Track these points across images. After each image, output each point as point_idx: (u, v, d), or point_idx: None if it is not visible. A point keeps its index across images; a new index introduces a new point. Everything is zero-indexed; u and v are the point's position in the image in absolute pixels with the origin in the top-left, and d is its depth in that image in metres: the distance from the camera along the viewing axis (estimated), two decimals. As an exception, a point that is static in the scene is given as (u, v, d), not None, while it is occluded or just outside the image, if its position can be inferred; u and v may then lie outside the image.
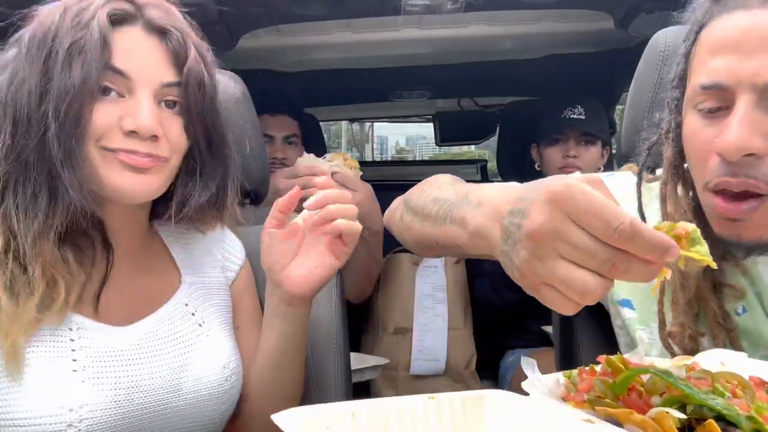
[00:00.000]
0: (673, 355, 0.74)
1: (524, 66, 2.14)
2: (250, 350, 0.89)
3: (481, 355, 1.83)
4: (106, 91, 0.72)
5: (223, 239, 0.94)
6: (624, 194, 0.80)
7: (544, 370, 0.62)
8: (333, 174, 1.46)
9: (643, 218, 0.79)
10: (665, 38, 0.94)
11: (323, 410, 0.50)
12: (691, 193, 0.77)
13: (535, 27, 1.79)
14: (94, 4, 0.72)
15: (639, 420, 0.45)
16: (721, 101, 0.69)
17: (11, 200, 0.70)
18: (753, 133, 0.65)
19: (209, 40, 0.83)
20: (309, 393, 0.99)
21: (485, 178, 2.92)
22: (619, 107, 2.31)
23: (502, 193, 0.60)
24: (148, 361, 0.76)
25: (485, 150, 5.75)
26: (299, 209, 1.40)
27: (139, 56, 0.73)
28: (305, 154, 1.52)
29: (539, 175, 1.53)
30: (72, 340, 0.72)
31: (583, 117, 1.85)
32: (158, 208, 0.84)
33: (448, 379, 1.79)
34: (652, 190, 0.82)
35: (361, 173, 1.52)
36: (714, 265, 0.52)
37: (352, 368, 1.09)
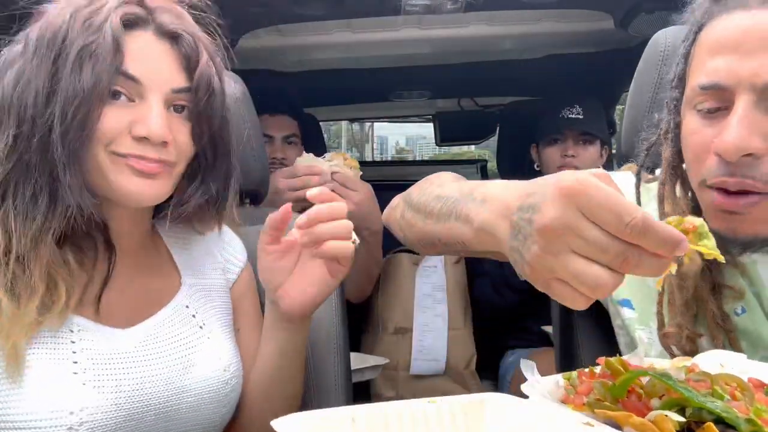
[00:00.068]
0: (672, 355, 0.74)
1: (524, 66, 2.14)
2: (251, 353, 0.88)
3: (481, 355, 1.83)
4: (116, 95, 0.72)
5: (224, 241, 0.93)
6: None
7: (544, 370, 0.62)
8: (333, 174, 1.46)
9: None
10: (665, 38, 0.94)
11: (323, 415, 0.50)
12: (690, 194, 0.77)
13: (535, 27, 1.79)
14: (107, 7, 0.72)
15: (638, 423, 0.45)
16: (720, 101, 0.69)
17: (11, 201, 0.70)
18: (752, 133, 0.65)
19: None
20: (309, 393, 0.99)
21: (485, 178, 2.91)
22: (619, 107, 2.31)
23: (509, 189, 0.60)
24: (150, 363, 0.76)
25: (485, 150, 5.75)
26: (300, 210, 1.40)
27: (151, 61, 0.73)
28: (304, 154, 1.52)
29: (539, 175, 1.53)
30: (73, 342, 0.71)
31: (581, 117, 1.85)
32: (159, 208, 0.84)
33: (448, 379, 1.79)
34: (651, 191, 0.82)
35: (361, 173, 1.52)
36: (722, 259, 0.53)
37: (352, 368, 1.09)
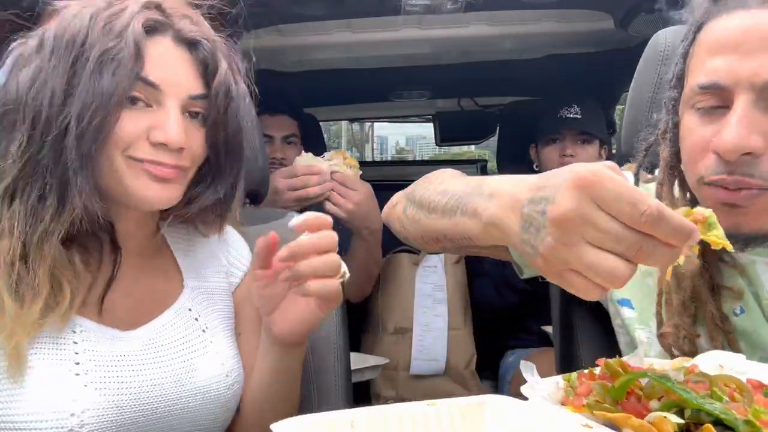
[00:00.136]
0: (672, 356, 0.74)
1: (524, 66, 2.14)
2: (251, 358, 0.88)
3: (481, 355, 1.83)
4: (134, 101, 0.72)
5: (229, 244, 0.93)
6: None
7: (544, 370, 0.62)
8: (332, 173, 1.46)
9: None
10: (665, 38, 0.94)
11: (322, 419, 0.50)
12: (688, 195, 0.77)
13: (535, 27, 1.79)
14: (128, 12, 0.71)
15: (637, 424, 0.45)
16: (719, 101, 0.69)
17: (19, 200, 0.69)
18: (751, 132, 0.65)
19: None
20: (309, 393, 0.99)
21: (485, 177, 2.90)
22: (619, 107, 2.31)
23: (518, 182, 0.60)
24: (152, 366, 0.75)
25: (485, 150, 5.75)
26: (300, 210, 1.40)
27: (169, 68, 0.73)
28: (303, 154, 1.51)
29: (539, 175, 1.53)
30: (75, 343, 0.71)
31: (579, 116, 1.85)
32: (165, 210, 0.83)
33: (448, 379, 1.79)
34: (650, 191, 0.82)
35: (361, 172, 1.51)
36: (731, 248, 0.53)
37: (352, 368, 1.09)
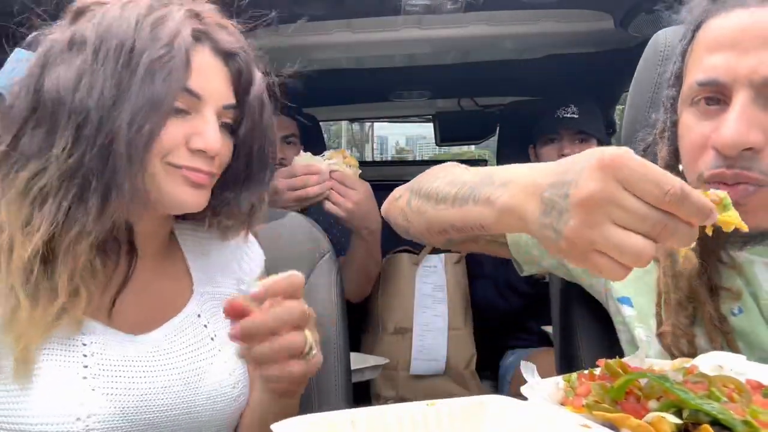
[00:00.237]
0: (672, 355, 0.74)
1: (524, 66, 2.14)
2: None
3: (481, 355, 1.83)
4: (177, 109, 0.72)
5: (243, 251, 0.92)
6: None
7: (544, 371, 0.62)
8: (331, 172, 1.46)
9: None
10: (665, 38, 0.94)
11: (322, 418, 0.50)
12: None
13: (535, 27, 1.79)
14: (174, 19, 0.71)
15: (635, 425, 0.46)
16: (717, 98, 0.69)
17: (52, 201, 0.68)
18: (751, 127, 0.65)
19: None
20: (309, 393, 0.99)
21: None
22: (619, 107, 2.31)
23: (535, 169, 0.61)
24: (160, 373, 0.75)
25: (485, 150, 5.75)
26: (301, 210, 1.40)
27: (209, 77, 0.74)
28: (302, 153, 1.51)
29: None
30: (84, 345, 0.70)
31: (576, 116, 1.85)
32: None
33: (448, 379, 1.79)
34: None
35: (360, 171, 1.51)
36: (745, 228, 0.55)
37: (352, 368, 1.10)
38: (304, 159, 1.49)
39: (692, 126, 0.71)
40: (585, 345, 0.98)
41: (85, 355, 0.70)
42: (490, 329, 1.92)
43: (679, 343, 0.73)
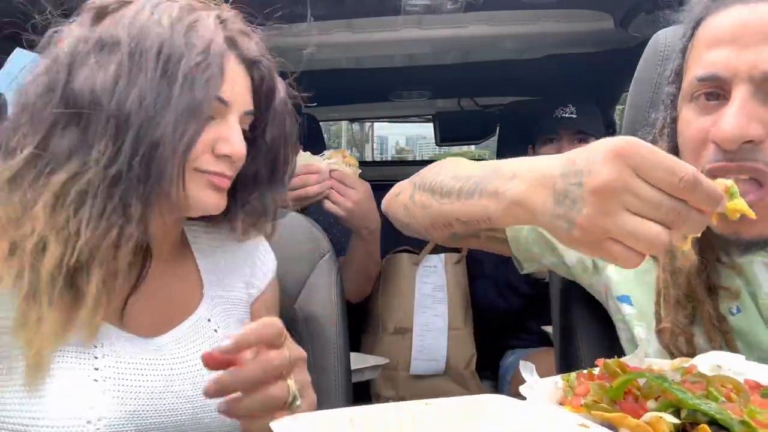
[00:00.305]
0: (671, 354, 0.74)
1: (524, 66, 2.14)
2: None
3: (481, 355, 1.83)
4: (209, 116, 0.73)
5: (255, 254, 0.92)
6: None
7: (544, 371, 0.62)
8: (330, 171, 1.45)
9: None
10: (665, 38, 0.94)
11: (321, 417, 0.50)
12: None
13: (535, 27, 1.79)
14: (206, 26, 0.72)
15: (633, 424, 0.46)
16: (717, 93, 0.69)
17: (95, 208, 0.66)
18: (750, 121, 0.65)
19: None
20: (309, 393, 0.99)
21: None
22: (619, 107, 2.31)
23: (544, 161, 0.61)
24: (170, 377, 0.74)
25: (485, 150, 5.74)
26: (300, 209, 1.40)
27: (235, 84, 0.75)
28: (301, 153, 1.51)
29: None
30: (95, 347, 0.70)
31: (574, 116, 1.85)
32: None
33: (448, 379, 1.79)
34: None
35: (360, 171, 1.51)
36: (753, 215, 0.56)
37: (352, 368, 1.10)
38: (303, 158, 1.48)
39: (692, 121, 0.71)
40: (585, 345, 0.98)
41: (96, 357, 0.69)
42: (490, 329, 1.92)
43: (677, 342, 0.73)
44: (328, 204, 1.45)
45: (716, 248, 0.74)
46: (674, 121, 0.76)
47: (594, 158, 0.54)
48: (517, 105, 2.41)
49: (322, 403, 1.01)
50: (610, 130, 2.09)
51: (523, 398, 0.55)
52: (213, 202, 0.76)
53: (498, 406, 0.53)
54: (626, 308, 0.83)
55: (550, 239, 0.89)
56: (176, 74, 0.68)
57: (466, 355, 1.80)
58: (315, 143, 2.06)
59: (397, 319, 1.78)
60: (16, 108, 0.71)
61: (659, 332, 0.76)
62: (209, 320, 0.82)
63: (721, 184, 0.55)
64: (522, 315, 1.87)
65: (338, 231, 1.73)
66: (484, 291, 1.88)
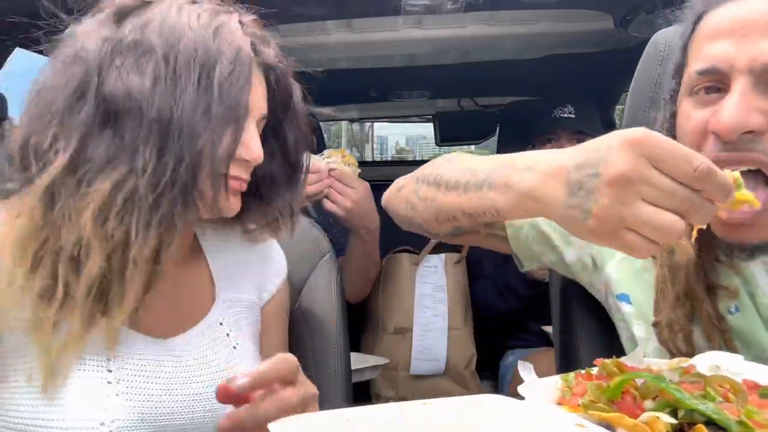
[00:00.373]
0: (670, 352, 0.74)
1: (524, 66, 2.14)
2: None
3: (481, 355, 1.83)
4: None
5: (267, 257, 0.92)
6: None
7: (544, 370, 0.62)
8: (330, 170, 1.46)
9: None
10: (665, 38, 0.94)
11: (319, 417, 0.50)
12: None
13: (535, 27, 1.79)
14: (232, 30, 0.71)
15: (630, 424, 0.46)
16: (717, 86, 0.69)
17: (139, 218, 0.64)
18: (750, 111, 0.65)
19: None
20: (309, 393, 0.99)
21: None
22: (619, 107, 2.31)
23: (558, 153, 0.62)
24: (182, 381, 0.74)
25: (485, 150, 5.74)
26: (303, 208, 1.40)
27: (254, 90, 0.74)
28: None
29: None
30: (107, 349, 0.69)
31: (573, 116, 1.85)
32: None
33: (448, 379, 1.79)
34: None
35: (359, 170, 1.51)
36: (758, 205, 0.57)
37: (352, 368, 1.10)
38: (302, 158, 1.48)
39: (691, 114, 0.71)
40: (585, 345, 0.98)
41: (109, 360, 0.69)
42: (490, 329, 1.92)
43: (676, 340, 0.73)
44: (327, 203, 1.45)
45: (715, 247, 0.74)
46: (673, 116, 0.76)
47: (609, 149, 0.55)
48: (517, 105, 2.41)
49: (322, 403, 1.01)
50: (609, 130, 2.08)
51: (522, 398, 0.55)
52: (229, 204, 0.76)
53: (496, 406, 0.53)
54: (625, 307, 0.83)
55: (549, 237, 0.89)
56: (212, 82, 0.67)
57: (466, 355, 1.80)
58: (315, 143, 2.06)
59: (397, 319, 1.78)
60: (34, 108, 0.68)
61: (655, 325, 0.76)
62: (221, 324, 0.81)
63: (729, 175, 0.55)
64: (522, 315, 1.87)
65: (338, 231, 1.73)
66: (483, 292, 1.88)
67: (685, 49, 0.75)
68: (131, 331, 0.72)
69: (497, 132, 2.54)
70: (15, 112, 1.41)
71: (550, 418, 0.50)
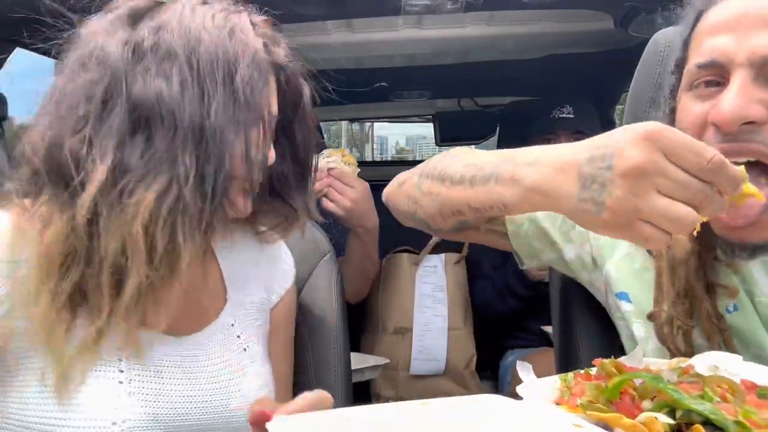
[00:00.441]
0: (669, 350, 0.74)
1: (524, 66, 2.14)
2: (277, 388, 0.85)
3: (481, 355, 1.83)
4: None
5: (276, 258, 0.92)
6: None
7: (544, 370, 0.62)
8: (329, 170, 1.46)
9: None
10: (665, 39, 0.94)
11: (318, 417, 0.50)
12: None
13: (535, 27, 1.79)
14: (247, 33, 0.71)
15: (628, 424, 0.46)
16: (717, 79, 0.69)
17: (184, 227, 0.64)
18: (750, 101, 0.65)
19: None
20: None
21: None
22: (619, 107, 2.31)
23: (566, 148, 0.63)
24: (193, 381, 0.74)
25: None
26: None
27: (266, 92, 0.74)
28: None
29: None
30: (119, 350, 0.69)
31: (572, 116, 1.85)
32: None
33: (448, 379, 1.79)
34: None
35: (359, 170, 1.51)
36: (763, 199, 0.58)
37: (352, 368, 1.10)
38: (301, 158, 1.48)
39: (691, 108, 0.71)
40: (585, 345, 0.98)
41: (120, 360, 0.69)
42: (490, 329, 1.92)
43: (675, 337, 0.74)
44: (326, 203, 1.45)
45: (715, 246, 0.74)
46: (673, 111, 0.76)
47: (623, 142, 0.56)
48: (517, 105, 2.41)
49: (322, 403, 1.02)
50: (608, 129, 2.08)
51: (521, 398, 0.55)
52: (243, 205, 0.76)
53: (495, 406, 0.53)
54: (625, 305, 0.83)
55: (549, 233, 0.89)
56: (237, 87, 0.67)
57: (466, 355, 1.80)
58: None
59: (397, 319, 1.78)
60: (55, 111, 0.66)
61: (651, 317, 0.76)
62: (233, 325, 0.81)
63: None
64: (522, 315, 1.87)
65: (338, 231, 1.73)
66: (483, 292, 1.88)
67: (685, 45, 0.76)
68: (143, 330, 0.72)
69: (497, 132, 2.54)
70: (15, 112, 1.41)
71: (548, 418, 0.50)
